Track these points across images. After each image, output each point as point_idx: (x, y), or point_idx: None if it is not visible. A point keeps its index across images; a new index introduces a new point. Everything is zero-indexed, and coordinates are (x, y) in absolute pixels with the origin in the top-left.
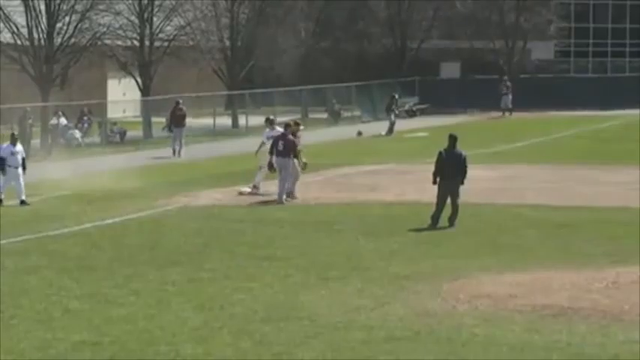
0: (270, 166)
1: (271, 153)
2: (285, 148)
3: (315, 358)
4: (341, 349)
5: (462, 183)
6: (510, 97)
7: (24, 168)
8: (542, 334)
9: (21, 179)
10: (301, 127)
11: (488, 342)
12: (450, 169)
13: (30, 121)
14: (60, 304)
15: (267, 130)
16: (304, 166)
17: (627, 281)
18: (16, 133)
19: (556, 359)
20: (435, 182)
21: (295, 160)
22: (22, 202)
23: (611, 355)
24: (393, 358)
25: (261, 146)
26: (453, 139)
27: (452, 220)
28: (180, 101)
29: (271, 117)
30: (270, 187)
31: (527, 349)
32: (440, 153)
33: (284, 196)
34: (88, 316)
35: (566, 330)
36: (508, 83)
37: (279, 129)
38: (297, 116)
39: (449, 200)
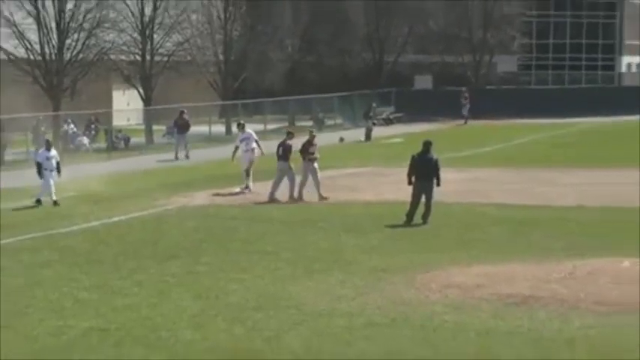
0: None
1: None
2: (283, 152)
3: (302, 343)
4: (324, 335)
5: (438, 184)
6: (468, 106)
7: (58, 171)
8: (506, 321)
9: (52, 181)
10: (314, 135)
11: (457, 328)
12: (424, 172)
13: (42, 129)
14: (70, 295)
15: (240, 134)
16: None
17: (583, 273)
18: (49, 140)
19: (518, 343)
20: (410, 183)
21: (316, 164)
22: (55, 203)
23: (568, 340)
24: (372, 342)
25: (235, 150)
26: (427, 144)
27: (425, 218)
28: (185, 110)
29: (241, 122)
30: (261, 189)
31: (492, 334)
32: (413, 157)
33: (274, 196)
34: (96, 306)
35: (527, 317)
36: (466, 94)
37: (249, 131)
38: (284, 124)
39: (423, 199)
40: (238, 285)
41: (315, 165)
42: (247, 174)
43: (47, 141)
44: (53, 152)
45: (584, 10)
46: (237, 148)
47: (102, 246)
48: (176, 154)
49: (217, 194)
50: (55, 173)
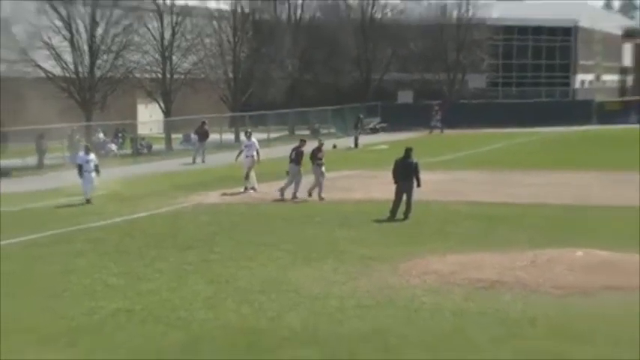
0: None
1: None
2: (296, 157)
3: (300, 322)
4: (320, 314)
5: (419, 185)
6: (439, 117)
7: (97, 172)
8: (476, 302)
9: (90, 182)
10: (322, 143)
11: (434, 308)
12: (405, 174)
13: (77, 137)
14: (101, 280)
15: (246, 140)
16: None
17: (542, 261)
18: (88, 145)
19: (487, 322)
20: (396, 182)
21: (323, 168)
22: (88, 201)
23: (530, 319)
24: (361, 321)
25: (239, 154)
26: (408, 150)
27: (406, 214)
28: (206, 121)
29: (249, 130)
30: (266, 189)
31: (464, 314)
32: (395, 161)
33: (284, 194)
34: (123, 290)
35: (495, 299)
36: (437, 108)
37: (254, 140)
38: (285, 133)
39: (404, 198)
40: (245, 271)
41: (323, 169)
42: (247, 177)
43: (86, 146)
44: (92, 156)
45: (544, 35)
46: (240, 152)
47: (128, 238)
48: (194, 158)
49: (226, 194)
50: (94, 174)
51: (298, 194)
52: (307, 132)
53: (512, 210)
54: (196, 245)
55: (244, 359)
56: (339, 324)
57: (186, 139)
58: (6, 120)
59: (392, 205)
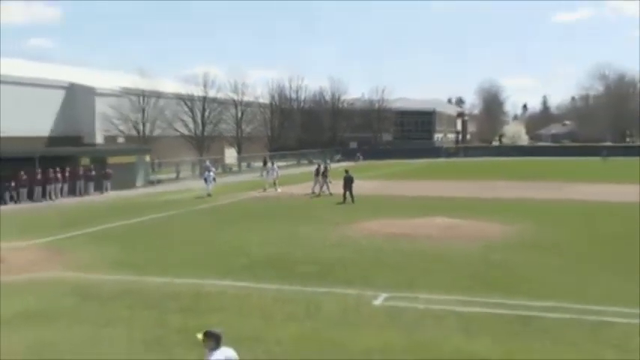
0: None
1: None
2: (323, 172)
3: (303, 251)
4: (312, 247)
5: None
6: (360, 157)
7: (214, 180)
8: (392, 244)
9: (211, 185)
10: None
11: (368, 246)
12: (348, 181)
13: (196, 164)
14: (217, 231)
15: (270, 165)
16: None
17: (421, 223)
18: (209, 166)
19: (398, 254)
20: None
21: (329, 179)
22: (209, 195)
23: (420, 251)
24: (332, 251)
25: (265, 174)
26: (347, 170)
27: (352, 200)
28: (268, 156)
29: (273, 161)
30: (286, 190)
31: (383, 249)
32: (344, 175)
33: (314, 190)
34: (236, 238)
35: (398, 242)
36: (359, 155)
37: (276, 166)
38: (294, 162)
39: (348, 194)
40: (276, 230)
41: (329, 179)
42: (274, 184)
43: (208, 167)
44: (212, 173)
45: (419, 115)
46: (267, 172)
47: (226, 210)
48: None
49: (263, 191)
50: (212, 182)
51: (316, 190)
52: (306, 162)
53: (407, 199)
54: (259, 217)
55: (278, 271)
56: (323, 254)
57: (248, 165)
58: (156, 156)
59: (342, 197)
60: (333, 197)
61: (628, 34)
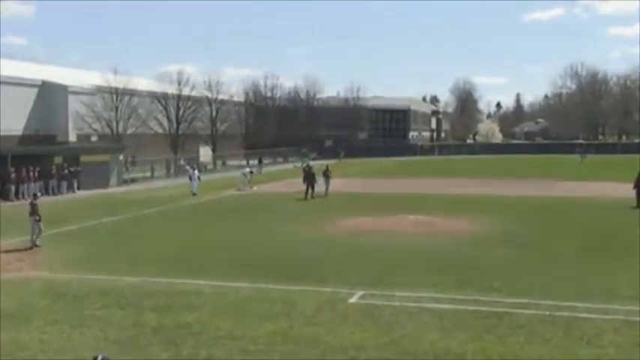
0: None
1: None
2: (325, 173)
3: (285, 243)
4: (296, 241)
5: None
6: (342, 153)
7: (199, 179)
8: (363, 239)
9: (195, 183)
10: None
11: (345, 241)
12: (309, 177)
13: (180, 163)
14: (206, 224)
15: (256, 164)
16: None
17: (395, 220)
18: (194, 165)
19: (367, 247)
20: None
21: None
22: (194, 194)
23: (398, 245)
24: (314, 248)
25: (250, 173)
26: (309, 167)
27: (313, 196)
28: (262, 159)
29: (258, 161)
30: (262, 189)
31: (358, 243)
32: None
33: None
34: (222, 229)
35: (371, 238)
36: (340, 150)
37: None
38: (270, 161)
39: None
40: (261, 223)
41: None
42: (249, 182)
43: (193, 166)
44: (196, 172)
45: (394, 113)
46: (251, 171)
47: (209, 206)
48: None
49: (238, 189)
50: (197, 181)
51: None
52: (281, 160)
53: (381, 196)
54: (251, 211)
55: (253, 269)
56: (298, 251)
57: (223, 164)
58: (130, 154)
59: (304, 193)
60: (315, 195)
61: (600, 32)
